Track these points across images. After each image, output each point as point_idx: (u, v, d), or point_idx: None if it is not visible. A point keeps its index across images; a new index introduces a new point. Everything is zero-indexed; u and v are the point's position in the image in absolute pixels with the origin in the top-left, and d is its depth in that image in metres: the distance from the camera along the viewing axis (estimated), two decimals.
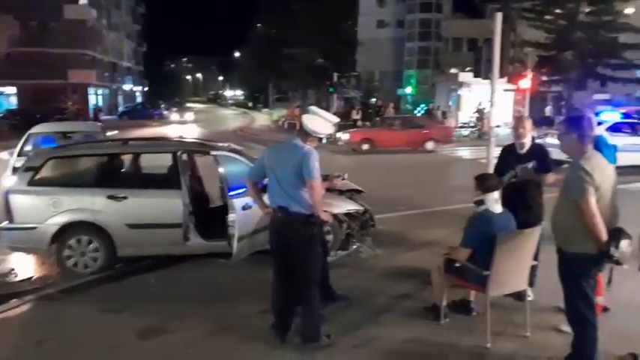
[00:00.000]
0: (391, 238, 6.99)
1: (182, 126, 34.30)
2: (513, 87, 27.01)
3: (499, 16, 7.88)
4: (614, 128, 13.47)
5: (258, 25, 52.08)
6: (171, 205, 5.72)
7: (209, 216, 6.33)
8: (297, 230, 3.78)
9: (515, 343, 4.04)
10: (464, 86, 29.72)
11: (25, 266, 6.28)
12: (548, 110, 25.03)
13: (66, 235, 5.56)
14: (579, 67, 33.93)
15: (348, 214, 6.15)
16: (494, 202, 4.04)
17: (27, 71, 36.80)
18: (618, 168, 4.53)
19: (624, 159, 10.87)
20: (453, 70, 34.24)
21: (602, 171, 3.21)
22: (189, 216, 5.87)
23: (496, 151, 5.53)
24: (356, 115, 27.28)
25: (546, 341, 4.03)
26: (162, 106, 40.21)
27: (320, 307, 4.02)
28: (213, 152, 5.59)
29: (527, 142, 4.69)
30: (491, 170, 5.37)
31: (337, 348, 3.97)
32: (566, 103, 30.26)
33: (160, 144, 7.03)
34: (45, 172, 5.75)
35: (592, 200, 3.09)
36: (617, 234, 3.11)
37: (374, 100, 40.99)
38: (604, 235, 3.10)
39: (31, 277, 5.91)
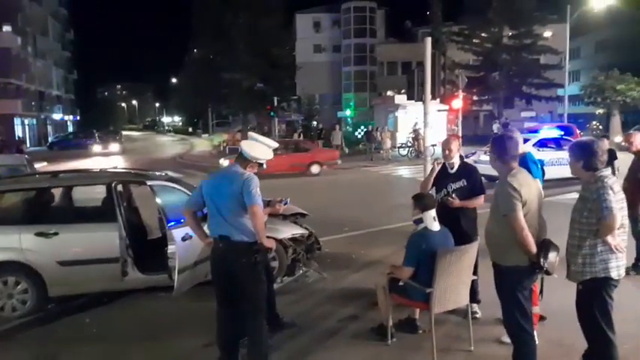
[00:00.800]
0: (337, 260, 7.02)
1: (116, 156, 33.13)
2: (446, 107, 28.21)
3: (429, 40, 8.26)
4: (541, 144, 14.34)
5: (195, 50, 51.64)
6: (106, 238, 5.45)
7: (148, 248, 6.10)
8: (240, 259, 3.70)
9: (461, 357, 4.13)
10: (400, 108, 30.77)
11: None
12: (496, 128, 26.40)
13: None
14: (506, 86, 36.09)
15: (293, 239, 6.12)
16: (432, 220, 4.15)
17: None
18: (546, 181, 4.82)
19: (551, 173, 11.59)
20: (389, 93, 35.36)
21: (528, 186, 3.38)
22: (127, 249, 5.61)
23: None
24: (297, 139, 27.51)
25: (489, 353, 4.14)
26: (96, 134, 38.61)
27: (267, 336, 3.94)
28: (149, 182, 5.41)
29: (456, 161, 4.88)
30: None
31: None
32: (499, 121, 31.87)
33: (92, 175, 6.74)
34: None
35: (520, 215, 3.24)
36: (545, 246, 3.27)
37: (315, 123, 41.52)
38: (533, 248, 3.25)
39: None
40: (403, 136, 28.69)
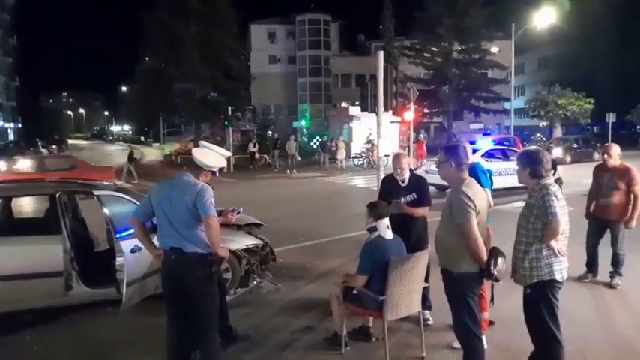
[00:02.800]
0: (292, 270, 6.98)
1: None
2: (399, 119, 28.85)
3: (381, 54, 8.44)
4: (489, 155, 14.85)
5: (146, 58, 50.53)
6: (49, 251, 5.19)
7: (94, 262, 5.85)
8: (192, 271, 3.61)
9: None
10: (354, 119, 31.20)
11: None
12: (422, 137, 27.13)
13: None
14: (455, 99, 37.35)
15: (247, 250, 6.04)
16: (386, 229, 4.20)
17: None
18: (494, 190, 4.98)
19: (498, 182, 12.01)
20: (343, 104, 35.79)
21: (480, 197, 3.50)
22: (72, 262, 5.36)
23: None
24: (253, 148, 27.33)
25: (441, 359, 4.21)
26: (40, 144, 36.89)
27: (219, 349, 3.86)
28: (97, 192, 5.21)
29: (407, 175, 5.00)
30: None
31: None
32: (448, 133, 32.92)
33: (35, 186, 6.42)
34: None
35: (475, 225, 3.35)
36: (494, 254, 3.38)
37: (270, 133, 41.39)
38: (485, 256, 3.36)
39: None
40: (358, 146, 29.06)
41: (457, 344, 4.21)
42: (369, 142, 25.91)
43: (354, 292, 4.22)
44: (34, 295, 5.17)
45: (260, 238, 6.36)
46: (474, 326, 3.47)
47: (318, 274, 6.88)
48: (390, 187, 5.08)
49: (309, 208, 13.29)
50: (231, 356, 4.28)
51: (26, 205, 6.31)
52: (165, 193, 3.72)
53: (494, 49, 36.72)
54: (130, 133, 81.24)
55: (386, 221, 4.21)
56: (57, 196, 5.55)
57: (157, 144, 50.07)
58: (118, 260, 4.93)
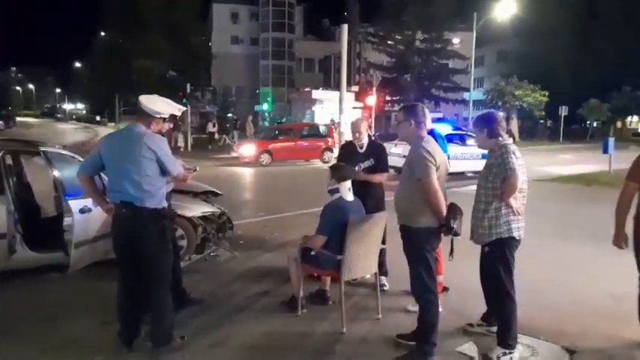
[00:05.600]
0: (250, 241, 6.90)
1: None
2: (361, 105, 28.97)
3: (345, 27, 8.38)
4: (448, 139, 15.11)
5: (102, 33, 48.60)
6: None
7: (40, 225, 5.58)
8: (145, 225, 3.46)
9: (368, 326, 4.19)
10: (317, 103, 31.06)
11: None
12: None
13: None
14: (416, 88, 37.83)
15: (203, 217, 5.90)
16: (347, 191, 4.18)
17: None
18: (450, 174, 5.03)
19: (456, 166, 12.24)
20: (307, 89, 35.59)
21: (440, 154, 3.52)
22: (15, 225, 5.09)
23: None
24: (212, 128, 26.86)
25: (396, 322, 4.23)
26: None
27: (172, 310, 3.73)
28: (44, 148, 4.94)
29: (365, 141, 4.99)
30: None
31: (191, 349, 3.73)
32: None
33: None
34: None
35: (435, 179, 3.37)
36: (453, 209, 3.41)
37: (230, 114, 40.75)
38: (444, 210, 3.38)
39: None
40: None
41: (412, 307, 4.27)
42: (332, 123, 25.88)
43: (312, 253, 4.19)
44: None
45: (217, 207, 6.23)
46: (429, 281, 3.50)
47: (276, 245, 6.83)
48: (348, 152, 5.06)
49: (270, 186, 13.17)
50: (185, 319, 4.15)
51: None
52: (117, 146, 3.53)
53: (456, 40, 37.35)
54: (84, 111, 78.15)
55: (348, 184, 4.19)
56: (0, 154, 5.23)
57: (112, 123, 48.42)
58: (66, 220, 4.71)
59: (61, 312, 4.44)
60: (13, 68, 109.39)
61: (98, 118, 60.59)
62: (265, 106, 47.97)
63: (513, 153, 3.43)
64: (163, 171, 3.50)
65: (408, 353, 3.57)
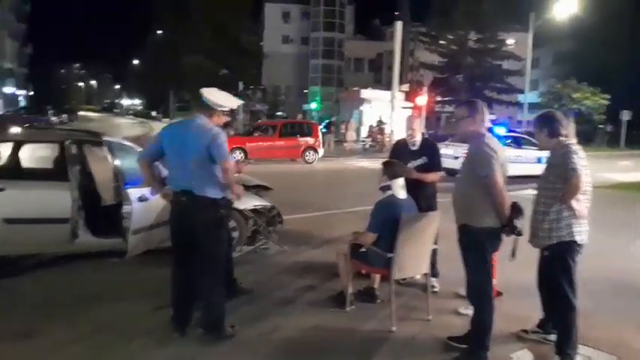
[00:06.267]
0: (297, 236, 6.94)
1: None
2: (411, 105, 28.65)
3: (399, 24, 8.27)
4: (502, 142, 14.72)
5: (158, 32, 50.22)
6: (57, 198, 5.16)
7: (101, 212, 5.83)
8: (202, 214, 3.54)
9: (417, 326, 4.13)
10: (365, 102, 30.96)
11: None
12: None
13: None
14: (468, 89, 36.94)
15: (254, 210, 5.99)
16: (400, 188, 4.13)
17: None
18: (508, 177, 4.87)
19: (510, 169, 11.84)
20: (355, 88, 35.51)
21: (502, 152, 3.42)
22: (79, 211, 5.34)
23: None
24: None
25: (447, 324, 4.15)
26: (50, 112, 36.80)
27: (223, 298, 3.81)
28: (106, 138, 5.16)
29: (418, 139, 4.91)
30: None
31: (240, 338, 3.78)
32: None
33: (45, 133, 6.38)
34: None
35: (500, 176, 3.27)
36: (516, 208, 3.30)
37: (279, 113, 41.25)
38: (508, 209, 3.28)
39: None
40: (365, 130, 28.88)
41: (464, 310, 4.18)
42: (378, 126, 25.74)
43: (362, 250, 4.16)
44: (40, 240, 5.16)
45: (267, 202, 6.31)
46: (487, 284, 3.41)
47: (323, 241, 6.85)
48: (400, 150, 4.99)
49: (317, 184, 13.23)
50: (234, 308, 4.22)
51: (36, 152, 6.26)
52: (179, 136, 3.62)
53: (510, 40, 36.19)
54: (140, 107, 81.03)
55: (400, 181, 4.13)
56: (66, 143, 5.51)
57: (167, 119, 49.93)
58: (125, 208, 4.89)
59: (116, 295, 4.61)
60: (77, 65, 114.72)
61: (154, 113, 62.63)
62: (314, 105, 48.19)
63: (576, 153, 3.28)
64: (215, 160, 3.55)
65: (461, 355, 3.49)
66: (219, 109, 3.64)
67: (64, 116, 40.49)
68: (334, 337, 3.91)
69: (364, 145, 26.00)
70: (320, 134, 19.44)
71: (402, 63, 8.05)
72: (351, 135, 25.43)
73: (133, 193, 4.79)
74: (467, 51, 37.10)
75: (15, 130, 6.72)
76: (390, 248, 3.91)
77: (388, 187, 4.12)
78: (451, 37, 37.64)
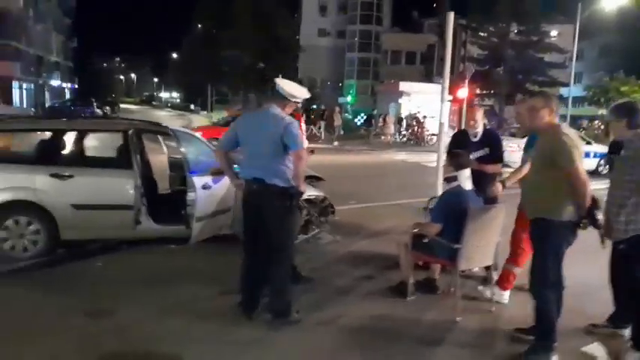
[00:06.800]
0: (348, 226, 6.97)
1: None
2: (450, 97, 28.18)
3: (451, 14, 8.16)
4: None
5: (196, 25, 50.98)
6: (122, 185, 5.35)
7: (160, 200, 6.01)
8: (274, 202, 3.61)
9: (480, 317, 4.11)
10: (404, 95, 30.64)
11: None
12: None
13: (2, 216, 5.05)
14: (509, 82, 36.04)
15: (307, 200, 6.06)
16: (466, 179, 4.10)
17: None
18: None
19: None
20: (392, 81, 35.20)
21: (579, 141, 3.37)
22: (141, 198, 5.52)
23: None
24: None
25: (511, 315, 4.12)
26: (95, 104, 38.02)
27: (291, 285, 3.88)
28: (173, 128, 5.31)
29: (480, 130, 4.86)
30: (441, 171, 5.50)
31: (303, 325, 3.85)
32: (498, 117, 32.07)
33: (110, 122, 6.61)
34: None
35: (582, 167, 3.21)
36: (595, 200, 3.24)
37: (314, 106, 41.28)
38: (589, 201, 3.21)
39: None
40: (404, 123, 28.60)
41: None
42: (415, 119, 25.50)
43: (425, 240, 4.16)
44: (105, 225, 5.38)
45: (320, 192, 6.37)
46: (558, 277, 3.35)
47: (374, 232, 6.87)
48: (461, 141, 4.95)
49: (358, 176, 13.22)
50: (296, 295, 4.27)
51: (99, 141, 6.52)
52: (255, 125, 3.70)
53: (553, 32, 35.11)
54: (178, 100, 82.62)
55: (467, 172, 4.11)
56: (129, 132, 5.69)
57: (205, 112, 50.75)
58: (190, 195, 5.03)
59: (179, 280, 4.74)
60: (117, 58, 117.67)
61: (192, 106, 63.75)
62: (349, 98, 48.11)
63: None
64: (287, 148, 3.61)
65: (531, 348, 3.45)
66: (293, 99, 3.70)
67: (107, 108, 41.68)
68: (399, 325, 3.94)
69: (402, 138, 25.83)
70: (304, 126, 18.98)
71: (454, 55, 7.94)
72: (389, 128, 25.28)
73: (198, 180, 4.92)
74: (508, 43, 36.15)
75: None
76: (455, 239, 3.90)
77: (454, 178, 4.10)
78: (492, 29, 36.76)
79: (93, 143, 6.38)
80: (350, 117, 41.53)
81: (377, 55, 52.63)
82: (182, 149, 5.21)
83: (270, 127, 3.58)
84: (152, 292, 4.44)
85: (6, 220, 5.06)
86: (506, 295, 4.36)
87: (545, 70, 36.77)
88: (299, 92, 3.74)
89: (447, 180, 4.15)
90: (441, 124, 8.36)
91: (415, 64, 49.80)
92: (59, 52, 56.43)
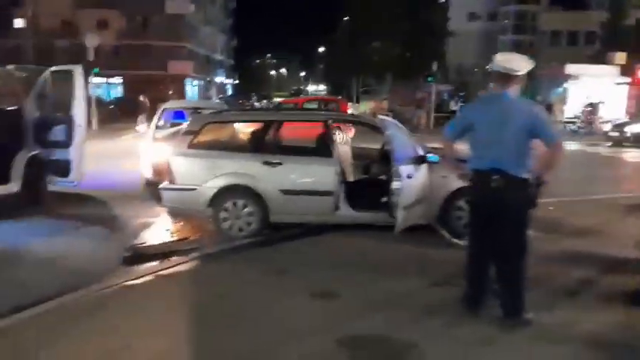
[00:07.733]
0: (542, 222, 6.42)
1: None
2: (627, 80, 25.00)
3: None
4: None
5: (345, 18, 51.88)
6: (323, 172, 5.61)
7: (355, 187, 6.16)
8: (517, 195, 3.39)
9: None
10: (571, 79, 27.79)
11: (178, 228, 6.41)
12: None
13: (223, 198, 5.60)
14: None
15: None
16: None
17: (132, 62, 39.17)
18: None
19: None
20: (553, 63, 32.10)
21: None
22: (340, 185, 5.71)
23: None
24: (455, 106, 26.54)
25: None
26: (254, 97, 41.30)
27: (525, 282, 3.60)
28: (381, 116, 5.40)
29: None
30: None
31: (538, 326, 3.55)
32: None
33: (312, 113, 6.99)
34: (203, 137, 5.83)
35: None
36: None
37: (462, 93, 39.58)
38: None
39: (186, 238, 5.98)
40: (572, 110, 25.98)
41: None
42: (590, 105, 22.98)
43: None
44: (308, 210, 5.68)
45: None
46: None
47: (574, 230, 6.30)
48: None
49: None
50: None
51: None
52: (494, 113, 3.47)
53: None
54: (324, 92, 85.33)
55: None
56: (328, 122, 5.92)
57: (351, 103, 51.69)
58: (395, 184, 5.06)
59: (386, 269, 4.76)
60: (269, 55, 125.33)
61: (339, 97, 65.43)
62: None
63: None
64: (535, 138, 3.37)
65: None
66: (515, 74, 3.39)
67: (265, 102, 44.79)
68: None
69: (573, 127, 23.50)
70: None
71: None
72: (556, 115, 23.20)
73: (404, 170, 4.92)
74: None
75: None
76: None
77: None
78: None
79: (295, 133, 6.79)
80: None
81: (533, 36, 48.61)
82: (391, 138, 5.25)
83: (515, 114, 3.37)
84: (374, 279, 4.47)
85: (226, 203, 5.60)
86: None
87: None
88: (522, 65, 3.41)
89: None
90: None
91: (577, 45, 45.00)
92: (222, 51, 61.93)
